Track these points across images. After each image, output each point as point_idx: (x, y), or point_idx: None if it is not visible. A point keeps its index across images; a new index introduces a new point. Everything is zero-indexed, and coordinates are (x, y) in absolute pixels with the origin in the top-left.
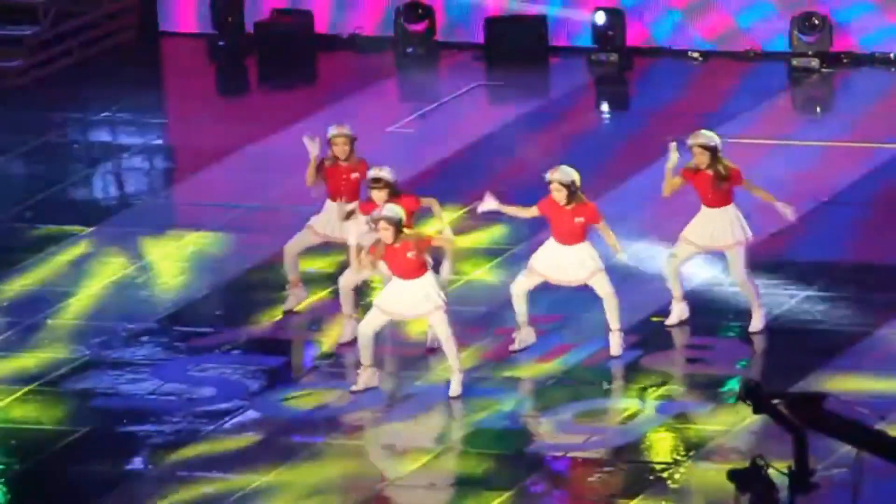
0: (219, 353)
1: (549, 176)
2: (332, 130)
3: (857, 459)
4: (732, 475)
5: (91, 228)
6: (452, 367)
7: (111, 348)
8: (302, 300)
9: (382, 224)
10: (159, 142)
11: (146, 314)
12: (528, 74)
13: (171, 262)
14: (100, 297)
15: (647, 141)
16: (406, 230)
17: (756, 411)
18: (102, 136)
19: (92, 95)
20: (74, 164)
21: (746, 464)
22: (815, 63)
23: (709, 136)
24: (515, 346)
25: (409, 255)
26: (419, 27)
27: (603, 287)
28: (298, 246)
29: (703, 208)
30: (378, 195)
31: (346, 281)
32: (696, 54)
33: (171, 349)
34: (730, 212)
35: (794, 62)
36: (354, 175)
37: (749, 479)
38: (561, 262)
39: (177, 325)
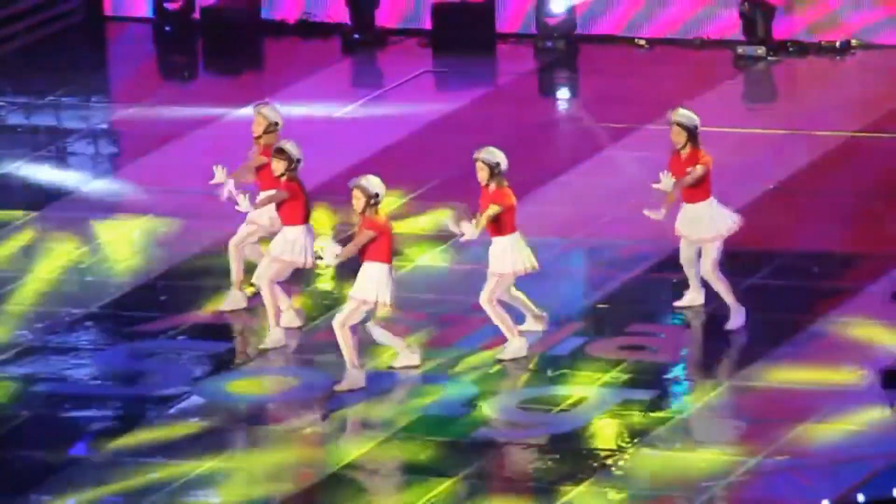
0: (163, 339)
1: (475, 154)
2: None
3: None
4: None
5: (36, 213)
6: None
7: (55, 333)
8: (238, 305)
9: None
10: (105, 126)
11: (91, 299)
12: (475, 61)
13: (117, 247)
14: (44, 281)
15: (593, 128)
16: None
17: None
18: (48, 119)
19: (38, 79)
20: (20, 149)
21: None
22: (760, 51)
23: (687, 116)
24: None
25: None
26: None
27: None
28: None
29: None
30: (276, 165)
31: None
32: (642, 42)
33: (115, 334)
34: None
35: (740, 50)
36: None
37: None
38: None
39: (122, 311)
